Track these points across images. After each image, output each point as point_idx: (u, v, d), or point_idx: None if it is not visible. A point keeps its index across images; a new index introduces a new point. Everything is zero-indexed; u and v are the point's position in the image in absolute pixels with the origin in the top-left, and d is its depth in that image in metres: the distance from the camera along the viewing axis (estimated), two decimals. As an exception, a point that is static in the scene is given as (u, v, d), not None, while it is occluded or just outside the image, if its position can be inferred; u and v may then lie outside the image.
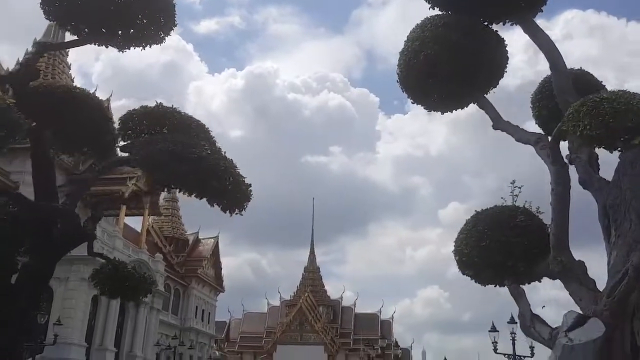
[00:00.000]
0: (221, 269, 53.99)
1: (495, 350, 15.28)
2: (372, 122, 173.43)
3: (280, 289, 66.76)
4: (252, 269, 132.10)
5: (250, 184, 8.59)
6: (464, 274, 7.86)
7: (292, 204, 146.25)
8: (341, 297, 65.43)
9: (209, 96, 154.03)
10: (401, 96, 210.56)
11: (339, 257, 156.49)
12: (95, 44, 8.82)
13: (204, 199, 8.23)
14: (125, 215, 36.36)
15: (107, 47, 8.76)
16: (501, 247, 7.25)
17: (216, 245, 53.46)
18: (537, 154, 7.43)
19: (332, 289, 67.58)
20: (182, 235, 52.11)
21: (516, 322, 15.15)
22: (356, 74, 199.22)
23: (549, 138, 7.40)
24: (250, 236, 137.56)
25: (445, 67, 7.59)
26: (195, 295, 48.79)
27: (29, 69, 8.56)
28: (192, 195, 8.27)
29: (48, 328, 28.59)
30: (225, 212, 8.46)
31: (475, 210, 7.82)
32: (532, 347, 15.06)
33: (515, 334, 14.97)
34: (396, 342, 57.11)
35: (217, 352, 54.23)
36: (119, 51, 8.91)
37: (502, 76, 8.38)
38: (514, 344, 15.17)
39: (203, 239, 54.09)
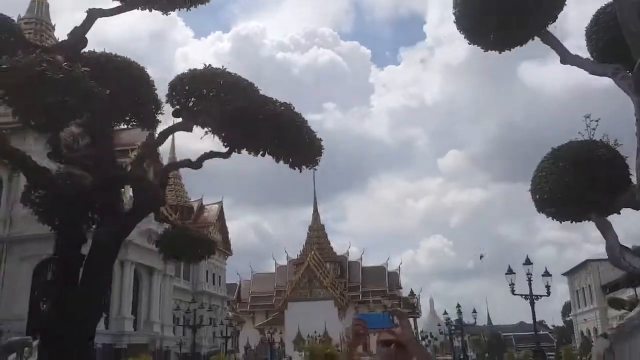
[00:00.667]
0: (227, 233, 54.72)
1: (512, 291, 15.74)
2: (364, 76, 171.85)
3: (287, 249, 68.02)
4: (255, 232, 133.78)
5: (321, 139, 8.38)
6: (543, 212, 7.71)
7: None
8: (347, 253, 66.59)
9: (196, 61, 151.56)
10: (393, 47, 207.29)
11: (339, 214, 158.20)
12: (140, 8, 8.53)
13: (268, 156, 8.12)
14: (130, 187, 36.55)
15: (150, 10, 8.44)
16: (586, 181, 7.09)
17: (221, 211, 53.99)
18: (616, 84, 7.07)
19: (336, 246, 68.75)
20: (186, 203, 52.53)
21: (531, 263, 15.60)
22: (345, 27, 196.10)
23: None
24: (252, 199, 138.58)
25: (503, 1, 7.33)
26: (205, 260, 49.57)
27: (80, 38, 8.16)
28: (260, 154, 8.10)
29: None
30: (295, 169, 8.30)
31: (552, 148, 7.66)
32: (548, 287, 15.48)
33: (531, 274, 15.40)
34: (411, 291, 58.67)
35: (230, 313, 55.53)
36: (163, 14, 8.68)
37: (561, 8, 7.88)
38: (530, 285, 15.64)
39: (207, 205, 54.59)
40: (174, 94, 9.17)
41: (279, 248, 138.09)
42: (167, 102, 9.24)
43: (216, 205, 54.18)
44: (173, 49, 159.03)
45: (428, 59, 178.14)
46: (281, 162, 8.62)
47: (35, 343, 25.20)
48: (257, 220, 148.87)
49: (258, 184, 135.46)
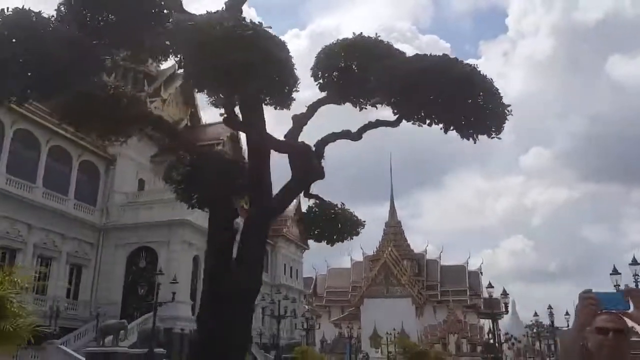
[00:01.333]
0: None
1: (618, 293, 14.59)
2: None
3: (362, 245, 67.68)
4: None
5: (509, 104, 7.55)
6: None
7: (364, 161, 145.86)
8: (425, 251, 65.31)
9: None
10: (473, 40, 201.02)
11: (414, 211, 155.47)
12: None
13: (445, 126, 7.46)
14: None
15: None
16: None
17: (299, 204, 54.39)
18: None
19: (412, 243, 67.61)
20: (265, 197, 53.48)
21: (638, 264, 14.40)
22: (424, 22, 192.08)
23: None
24: (324, 195, 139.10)
25: None
26: (283, 253, 50.33)
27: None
28: (428, 123, 7.57)
29: (155, 287, 30.61)
30: (470, 139, 7.50)
31: None
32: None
33: (638, 275, 14.23)
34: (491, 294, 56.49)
35: (306, 307, 56.03)
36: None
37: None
38: (637, 285, 14.44)
39: (285, 199, 55.30)
40: (320, 66, 8.81)
41: (353, 244, 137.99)
42: (311, 76, 8.95)
43: (294, 200, 54.71)
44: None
45: (510, 52, 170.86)
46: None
47: (130, 325, 26.63)
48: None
49: (331, 178, 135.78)
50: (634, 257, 14.35)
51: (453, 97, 7.13)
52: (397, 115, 8.11)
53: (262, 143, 8.21)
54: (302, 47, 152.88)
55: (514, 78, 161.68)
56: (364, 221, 9.71)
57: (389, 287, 59.90)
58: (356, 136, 8.80)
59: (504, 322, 67.21)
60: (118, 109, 7.42)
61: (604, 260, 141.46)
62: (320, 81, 8.91)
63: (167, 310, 29.07)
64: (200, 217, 32.87)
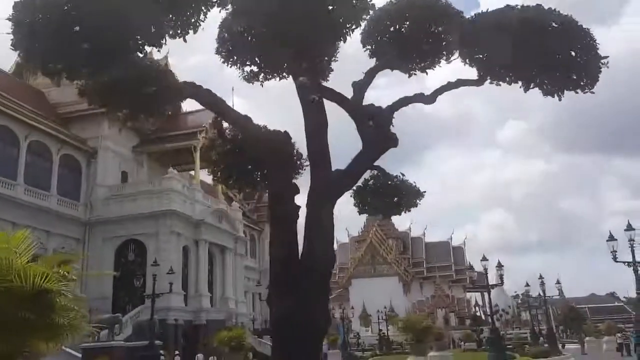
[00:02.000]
0: (290, 211, 55.10)
1: (614, 258, 14.96)
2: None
3: (347, 227, 68.00)
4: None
5: (606, 56, 7.00)
6: None
7: (346, 138, 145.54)
8: (409, 229, 65.90)
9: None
10: None
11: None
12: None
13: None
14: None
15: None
16: None
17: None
18: None
19: (397, 222, 68.14)
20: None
21: (634, 229, 14.74)
22: None
23: None
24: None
25: None
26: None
27: None
28: (515, 81, 7.01)
29: (146, 279, 30.32)
30: (555, 96, 6.97)
31: None
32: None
33: (633, 240, 14.59)
34: (470, 265, 57.40)
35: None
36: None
37: None
38: (633, 252, 14.81)
39: (269, 184, 55.11)
40: (370, 32, 8.16)
41: (337, 226, 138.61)
42: (360, 42, 8.51)
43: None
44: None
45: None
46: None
47: (124, 319, 26.37)
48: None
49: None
50: (628, 223, 14.68)
51: (548, 50, 6.60)
52: (480, 74, 7.55)
53: (321, 117, 7.67)
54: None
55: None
56: (424, 192, 9.12)
57: (375, 266, 60.47)
58: (430, 99, 8.33)
59: (492, 294, 68.73)
60: (151, 84, 6.83)
61: (584, 230, 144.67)
62: (370, 47, 8.38)
63: (160, 301, 28.73)
64: (188, 208, 32.67)
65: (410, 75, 8.62)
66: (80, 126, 33.20)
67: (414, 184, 9.07)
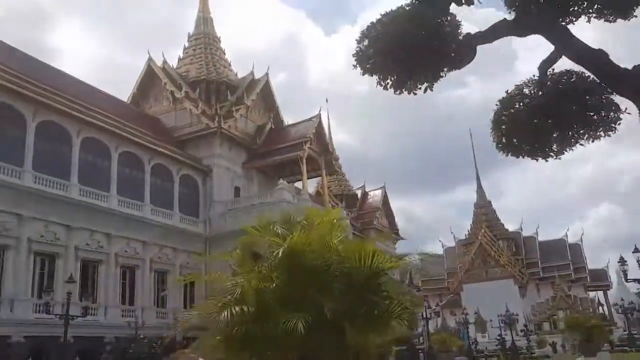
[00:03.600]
0: (394, 217, 54.45)
1: None
2: (505, 41, 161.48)
3: (452, 230, 66.00)
4: (405, 217, 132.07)
5: None
6: None
7: (433, 146, 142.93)
8: (520, 228, 62.58)
9: (329, 59, 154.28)
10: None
11: (493, 191, 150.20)
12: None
13: None
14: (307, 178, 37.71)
15: None
16: None
17: (385, 195, 53.88)
18: None
19: (504, 221, 64.99)
20: (349, 191, 53.23)
21: None
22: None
23: None
24: (395, 186, 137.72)
25: None
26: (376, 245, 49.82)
27: None
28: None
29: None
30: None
31: None
32: None
33: None
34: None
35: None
36: None
37: None
38: None
39: (369, 191, 54.83)
40: None
41: (430, 231, 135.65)
42: None
43: (379, 190, 54.19)
44: (305, 51, 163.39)
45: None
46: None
47: None
48: (404, 205, 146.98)
49: (401, 168, 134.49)
50: None
51: None
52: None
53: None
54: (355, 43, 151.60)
55: (585, 38, 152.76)
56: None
57: (487, 269, 57.95)
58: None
59: (611, 293, 63.46)
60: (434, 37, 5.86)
61: None
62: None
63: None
64: (299, 215, 33.14)
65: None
66: (194, 147, 34.98)
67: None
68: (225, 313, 5.69)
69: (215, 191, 33.99)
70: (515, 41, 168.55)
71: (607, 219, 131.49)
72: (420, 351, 25.48)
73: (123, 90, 35.44)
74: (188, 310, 31.38)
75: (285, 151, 36.22)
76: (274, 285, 6.24)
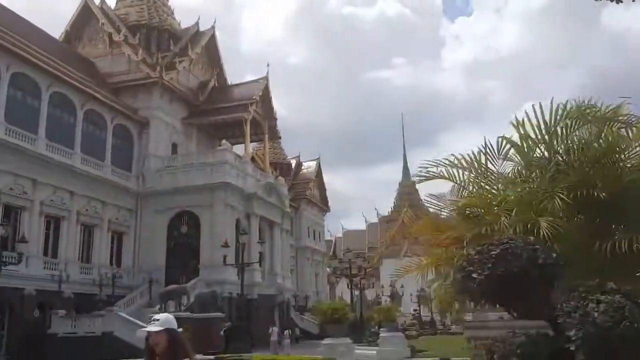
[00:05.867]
0: (325, 190, 54.73)
1: None
2: (435, 28, 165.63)
3: (358, 208, 67.71)
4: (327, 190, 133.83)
5: None
6: None
7: (356, 123, 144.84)
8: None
9: (263, 24, 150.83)
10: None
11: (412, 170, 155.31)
12: None
13: None
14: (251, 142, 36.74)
15: None
16: None
17: (319, 167, 53.92)
18: None
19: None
20: (284, 160, 52.68)
21: None
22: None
23: None
24: (332, 160, 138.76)
25: None
26: (306, 216, 49.98)
27: None
28: None
29: (200, 251, 30.10)
30: None
31: None
32: None
33: None
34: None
35: (327, 269, 56.17)
36: None
37: None
38: None
39: (304, 162, 54.64)
40: None
41: (350, 206, 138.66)
42: None
43: (313, 162, 54.12)
44: (240, 11, 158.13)
45: (502, 7, 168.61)
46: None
47: (194, 292, 26.16)
48: (326, 179, 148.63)
49: (325, 143, 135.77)
50: None
51: None
52: None
53: None
54: (291, 7, 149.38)
55: (508, 33, 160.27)
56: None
57: (408, 246, 60.06)
58: None
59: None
60: None
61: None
62: None
63: (215, 274, 28.71)
64: (240, 180, 32.29)
65: None
66: (131, 96, 32.78)
67: None
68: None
69: (151, 145, 32.16)
70: (443, 28, 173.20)
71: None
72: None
73: (55, 26, 32.26)
74: (114, 267, 29.90)
75: (229, 111, 34.92)
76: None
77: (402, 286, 47.40)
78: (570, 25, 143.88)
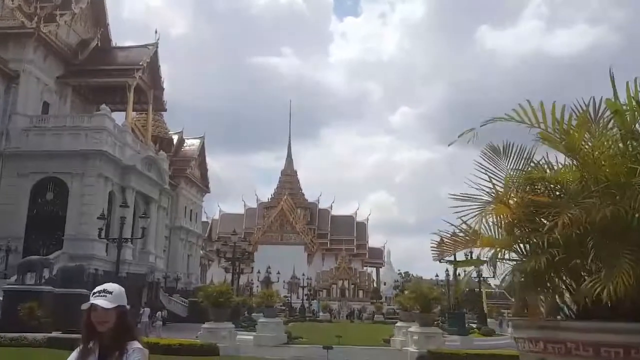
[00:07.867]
0: (207, 170, 53.46)
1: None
2: (324, 23, 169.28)
3: (256, 192, 67.71)
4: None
5: None
6: None
7: (242, 108, 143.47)
8: (318, 200, 67.06)
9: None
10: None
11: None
12: None
13: None
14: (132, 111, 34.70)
15: None
16: None
17: (202, 146, 52.50)
18: None
19: (306, 193, 69.03)
20: (166, 134, 50.54)
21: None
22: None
23: None
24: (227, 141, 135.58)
25: None
26: (184, 195, 48.49)
27: None
28: None
29: (66, 223, 27.95)
30: None
31: None
32: None
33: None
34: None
35: (201, 252, 55.10)
36: None
37: None
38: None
39: (187, 139, 52.88)
40: None
41: (233, 191, 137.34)
42: None
43: (197, 140, 52.57)
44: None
45: (388, 14, 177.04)
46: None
47: (57, 265, 24.08)
48: (210, 162, 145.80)
49: (204, 124, 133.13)
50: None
51: None
52: None
53: None
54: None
55: (391, 39, 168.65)
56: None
57: (283, 234, 60.96)
58: None
59: (383, 271, 72.49)
60: None
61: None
62: None
63: (83, 248, 26.89)
64: (117, 150, 30.40)
65: None
66: (1, 46, 29.33)
67: None
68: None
69: (20, 102, 29.06)
70: (332, 24, 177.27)
71: (382, 204, 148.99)
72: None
73: None
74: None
75: (112, 74, 32.65)
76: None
77: (278, 272, 48.05)
78: (442, 41, 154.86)
